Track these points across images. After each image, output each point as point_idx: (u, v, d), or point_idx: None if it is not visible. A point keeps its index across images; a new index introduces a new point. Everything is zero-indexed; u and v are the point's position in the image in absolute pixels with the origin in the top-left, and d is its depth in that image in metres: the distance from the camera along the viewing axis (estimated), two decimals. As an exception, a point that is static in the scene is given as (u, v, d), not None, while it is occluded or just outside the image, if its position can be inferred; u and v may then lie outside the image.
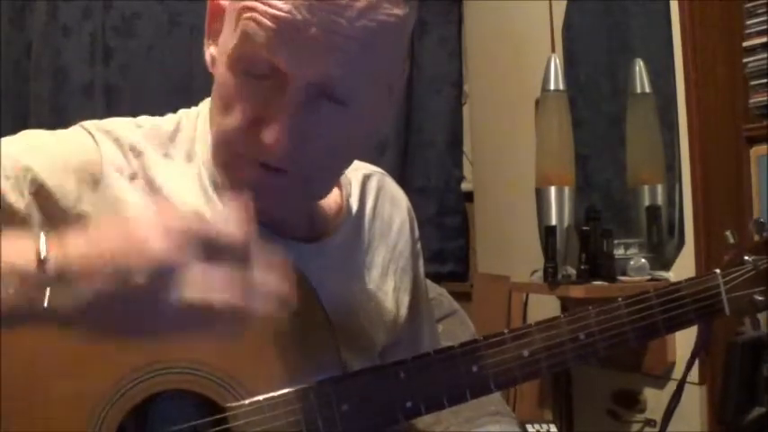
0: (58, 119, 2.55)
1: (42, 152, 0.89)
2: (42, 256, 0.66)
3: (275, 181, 0.87)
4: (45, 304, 0.66)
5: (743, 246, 1.00)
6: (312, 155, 0.86)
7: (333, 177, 0.95)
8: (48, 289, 0.66)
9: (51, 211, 0.87)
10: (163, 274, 0.66)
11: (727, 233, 1.02)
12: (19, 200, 0.86)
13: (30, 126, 2.64)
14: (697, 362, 1.83)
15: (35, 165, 0.87)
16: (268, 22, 0.80)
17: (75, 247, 0.67)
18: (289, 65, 0.82)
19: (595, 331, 0.94)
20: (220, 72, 0.87)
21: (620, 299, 0.96)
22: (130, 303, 0.67)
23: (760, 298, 0.97)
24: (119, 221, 0.72)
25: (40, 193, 0.87)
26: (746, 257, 0.98)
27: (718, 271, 0.98)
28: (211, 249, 0.68)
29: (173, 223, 0.68)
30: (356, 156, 0.97)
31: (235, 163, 0.89)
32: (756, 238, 1.00)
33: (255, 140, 0.84)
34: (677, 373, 1.87)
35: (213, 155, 0.93)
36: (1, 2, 2.59)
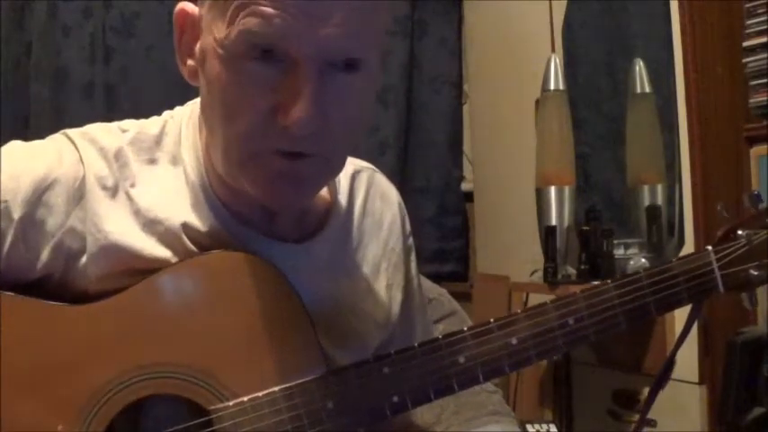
0: (58, 119, 2.55)
1: (29, 171, 0.87)
2: None
3: (300, 167, 0.84)
4: None
5: (736, 220, 0.96)
6: (333, 131, 0.84)
7: (346, 155, 0.93)
8: None
9: (42, 231, 0.87)
10: None
11: (719, 207, 0.98)
12: (8, 225, 0.85)
13: (30, 126, 2.65)
14: (697, 362, 1.84)
15: (22, 186, 0.86)
16: (270, 10, 0.79)
17: None
18: (299, 45, 0.80)
19: (584, 315, 0.92)
20: (216, 75, 0.84)
21: (609, 281, 0.93)
22: None
23: (755, 273, 0.93)
24: None
25: (30, 213, 0.86)
26: (740, 232, 0.95)
27: (709, 248, 0.94)
28: None
29: None
30: (364, 127, 0.94)
31: (251, 164, 0.85)
32: (752, 211, 0.96)
33: (275, 129, 0.82)
34: (677, 373, 1.87)
35: (220, 164, 0.89)
36: (1, 2, 2.58)
